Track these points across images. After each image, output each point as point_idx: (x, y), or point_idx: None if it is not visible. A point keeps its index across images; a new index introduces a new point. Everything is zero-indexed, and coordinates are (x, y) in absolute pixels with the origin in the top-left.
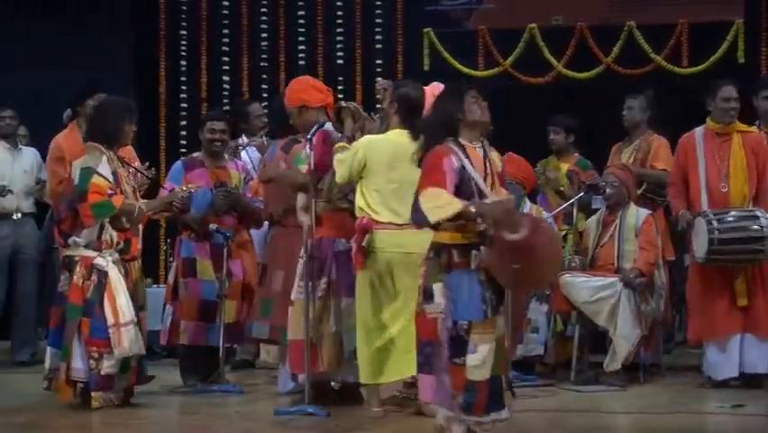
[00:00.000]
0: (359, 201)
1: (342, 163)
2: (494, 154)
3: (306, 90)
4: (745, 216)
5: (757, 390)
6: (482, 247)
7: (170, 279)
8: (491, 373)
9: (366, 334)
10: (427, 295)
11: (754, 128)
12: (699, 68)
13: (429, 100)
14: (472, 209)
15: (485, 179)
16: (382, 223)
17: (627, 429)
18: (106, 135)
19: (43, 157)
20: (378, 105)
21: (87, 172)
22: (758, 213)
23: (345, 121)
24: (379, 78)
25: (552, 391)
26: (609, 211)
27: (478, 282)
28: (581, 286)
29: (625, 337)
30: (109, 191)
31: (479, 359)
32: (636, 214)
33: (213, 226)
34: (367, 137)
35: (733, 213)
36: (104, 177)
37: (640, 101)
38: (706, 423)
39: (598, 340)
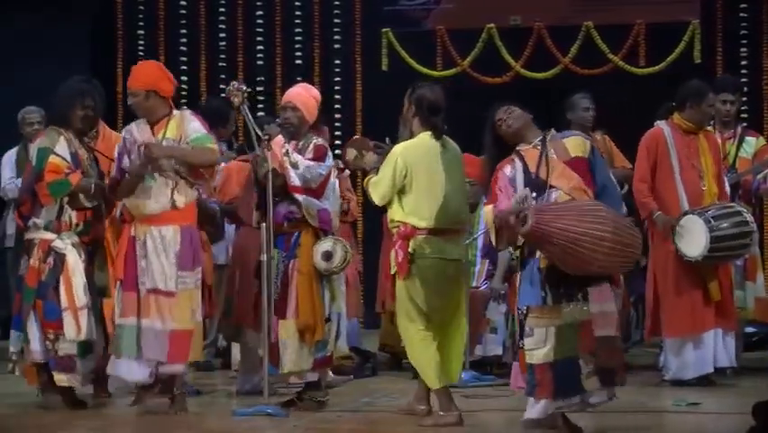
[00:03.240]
0: (395, 212)
1: (380, 182)
2: (567, 142)
3: (161, 78)
4: (732, 213)
5: (711, 387)
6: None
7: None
8: (555, 357)
9: (421, 342)
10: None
11: (711, 129)
12: (656, 68)
13: (308, 101)
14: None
15: (539, 172)
16: (422, 228)
17: (585, 428)
18: (60, 119)
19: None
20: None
21: (44, 152)
22: (738, 208)
23: (366, 155)
24: (234, 82)
25: (510, 391)
26: None
27: (537, 270)
28: None
29: None
30: (66, 170)
31: (533, 342)
32: None
33: None
34: (400, 144)
35: (721, 210)
36: (61, 156)
37: (591, 101)
38: (663, 421)
39: None
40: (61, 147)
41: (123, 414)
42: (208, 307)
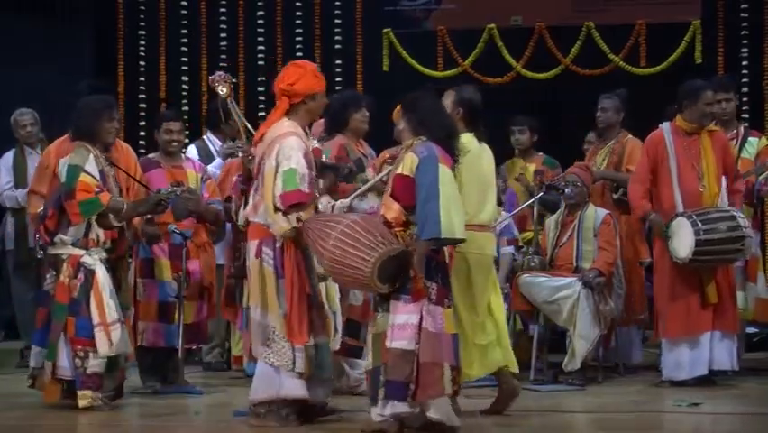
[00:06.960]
0: None
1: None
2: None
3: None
4: (724, 217)
5: (712, 388)
6: None
7: (130, 280)
8: (373, 363)
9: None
10: None
11: (717, 128)
12: (657, 68)
13: None
14: None
15: None
16: (469, 225)
17: (586, 428)
18: (87, 134)
19: None
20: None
21: (75, 170)
22: (734, 213)
23: None
24: (218, 72)
25: None
26: (569, 211)
27: None
28: (541, 286)
29: (584, 337)
30: (96, 189)
31: None
32: (595, 214)
33: (171, 227)
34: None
35: (713, 214)
36: (91, 175)
37: (614, 101)
38: (663, 422)
39: (557, 340)
40: (91, 165)
41: (122, 414)
42: (208, 308)
